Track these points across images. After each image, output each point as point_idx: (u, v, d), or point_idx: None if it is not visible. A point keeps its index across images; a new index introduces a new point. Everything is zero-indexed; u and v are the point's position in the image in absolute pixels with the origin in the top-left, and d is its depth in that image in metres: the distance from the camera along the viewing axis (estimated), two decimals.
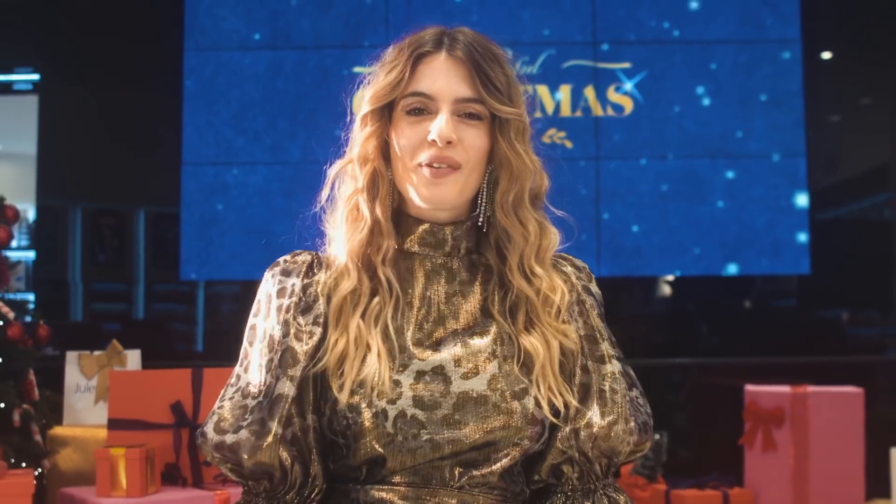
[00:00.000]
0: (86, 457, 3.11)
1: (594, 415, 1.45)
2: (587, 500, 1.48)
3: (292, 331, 1.44)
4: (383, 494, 1.40)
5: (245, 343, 1.48)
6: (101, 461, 2.72)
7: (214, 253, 6.48)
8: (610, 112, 6.52)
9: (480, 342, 1.45)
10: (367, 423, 1.37)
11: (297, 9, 6.65)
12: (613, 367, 1.49)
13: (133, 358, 3.25)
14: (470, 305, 1.48)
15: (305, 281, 1.48)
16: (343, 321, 1.42)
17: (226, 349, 4.95)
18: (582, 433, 1.45)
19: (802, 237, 6.39)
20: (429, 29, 1.52)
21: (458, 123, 1.44)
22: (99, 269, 7.07)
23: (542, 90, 6.61)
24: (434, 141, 1.42)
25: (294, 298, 1.46)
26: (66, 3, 6.42)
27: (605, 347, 1.51)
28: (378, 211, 1.46)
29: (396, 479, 1.40)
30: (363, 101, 1.53)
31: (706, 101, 6.58)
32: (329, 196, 1.56)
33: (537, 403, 1.42)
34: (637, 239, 6.33)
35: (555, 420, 1.43)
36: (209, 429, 1.40)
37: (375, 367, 1.38)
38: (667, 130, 6.55)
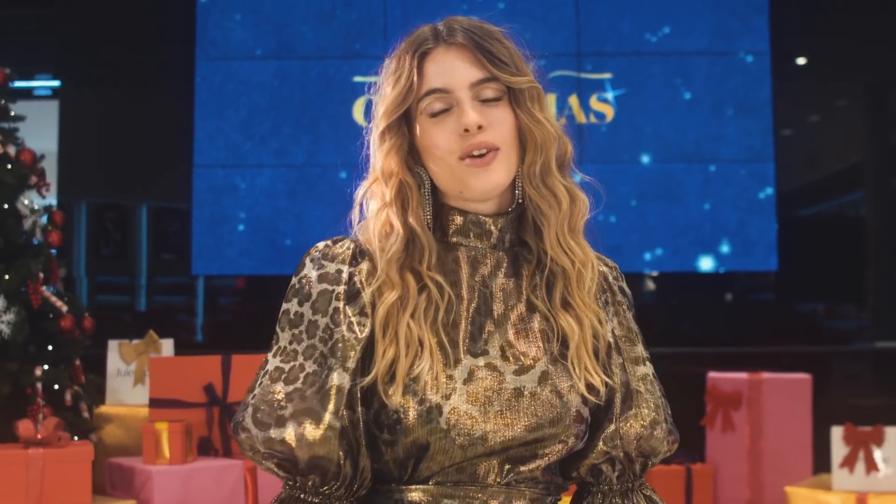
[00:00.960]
0: (127, 432, 3.52)
1: (637, 416, 1.46)
2: (626, 500, 1.49)
3: (345, 320, 1.38)
4: (426, 494, 1.36)
5: (283, 330, 1.40)
6: (147, 434, 3.15)
7: (224, 249, 6.75)
8: (592, 119, 6.83)
9: (529, 336, 1.42)
10: (418, 419, 1.33)
11: (300, 21, 6.90)
12: (648, 368, 1.50)
13: (167, 346, 3.69)
14: (515, 298, 1.45)
15: (351, 269, 1.41)
16: (391, 329, 1.37)
17: (225, 339, 5.18)
18: (627, 434, 1.45)
19: (770, 236, 6.70)
20: (422, 28, 1.48)
21: (481, 109, 1.41)
22: (105, 262, 7.32)
23: None
24: (466, 130, 1.39)
25: (343, 287, 1.39)
26: (85, 15, 6.65)
27: (640, 350, 1.51)
28: (412, 221, 1.41)
29: (440, 477, 1.37)
30: (376, 118, 1.47)
31: (681, 109, 6.86)
32: (352, 218, 1.52)
33: (584, 401, 1.41)
34: (617, 237, 6.61)
35: (594, 399, 1.42)
36: (249, 422, 1.33)
37: (428, 362, 1.35)
38: (645, 136, 6.87)
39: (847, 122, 7.42)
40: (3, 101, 3.53)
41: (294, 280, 1.42)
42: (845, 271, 7.43)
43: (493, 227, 1.44)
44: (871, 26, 6.97)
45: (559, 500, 1.46)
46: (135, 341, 3.65)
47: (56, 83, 6.89)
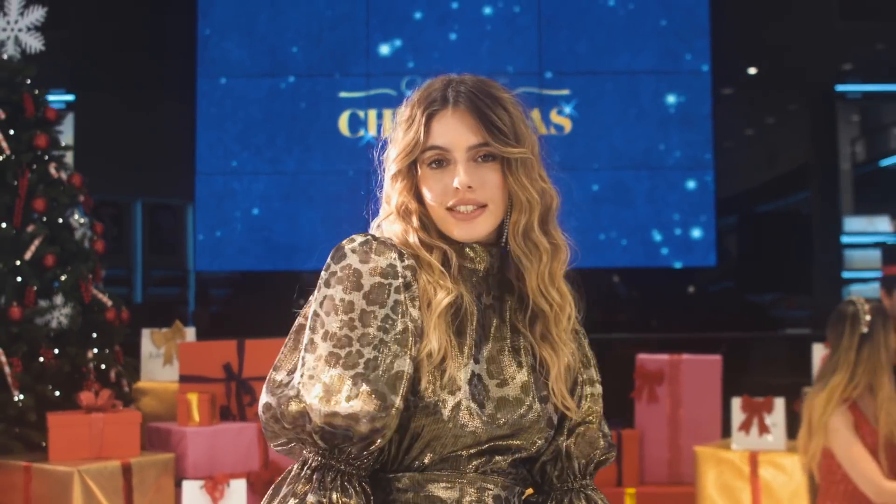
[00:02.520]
0: (159, 402, 4.26)
1: (580, 421, 1.58)
2: (565, 497, 1.58)
3: (406, 312, 1.43)
4: (412, 481, 1.45)
5: (328, 315, 1.41)
6: (181, 402, 3.90)
7: (224, 248, 7.19)
8: (552, 131, 7.28)
9: (513, 353, 1.52)
10: (424, 409, 1.42)
11: (291, 43, 7.31)
12: (597, 389, 1.61)
13: (190, 333, 4.45)
14: (500, 318, 1.53)
15: (402, 264, 1.46)
16: (437, 327, 1.44)
17: (215, 327, 5.58)
18: (570, 435, 1.57)
19: (710, 235, 7.20)
20: (435, 83, 1.54)
21: (475, 167, 1.48)
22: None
23: None
24: (457, 189, 1.47)
25: (400, 280, 1.44)
26: (97, 37, 7.03)
27: (593, 373, 1.62)
28: (439, 242, 1.51)
29: (428, 465, 1.45)
30: (390, 160, 1.55)
31: (631, 122, 7.30)
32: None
33: (555, 409, 1.53)
34: (575, 235, 7.21)
35: (567, 412, 1.54)
36: (312, 399, 1.37)
37: (453, 362, 1.44)
38: (599, 146, 7.31)
39: (784, 132, 7.95)
40: (55, 134, 4.24)
41: (334, 268, 1.43)
42: (782, 265, 8.01)
43: (485, 255, 1.53)
44: (801, 50, 7.48)
45: (524, 491, 1.58)
46: (164, 329, 4.41)
47: (70, 97, 7.29)
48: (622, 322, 7.54)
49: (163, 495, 3.71)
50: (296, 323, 1.51)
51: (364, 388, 1.36)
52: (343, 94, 7.31)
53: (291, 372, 1.43)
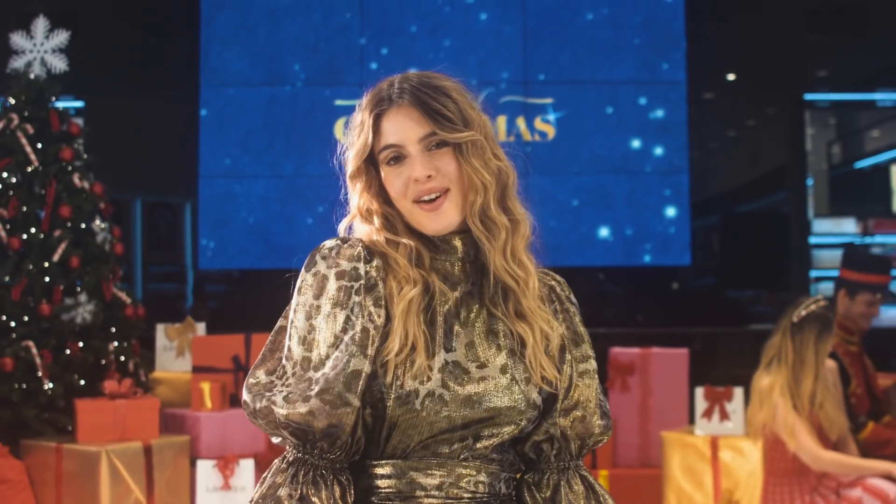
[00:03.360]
0: (172, 391, 4.64)
1: (576, 403, 1.58)
2: (562, 476, 1.60)
3: (365, 313, 1.47)
4: (395, 468, 1.49)
5: (300, 321, 1.48)
6: (195, 390, 4.30)
7: (226, 247, 7.49)
8: (536, 138, 7.55)
9: (490, 338, 1.53)
10: (397, 400, 1.45)
11: (289, 53, 7.58)
12: (590, 365, 1.62)
13: (200, 328, 4.85)
14: (479, 303, 1.55)
15: (366, 266, 1.50)
16: (403, 320, 1.47)
17: (212, 321, 5.73)
18: (566, 419, 1.58)
19: (685, 236, 7.48)
20: (382, 84, 1.57)
21: (430, 156, 1.51)
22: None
23: None
24: (417, 179, 1.50)
25: (362, 281, 1.49)
26: (105, 48, 7.25)
27: (586, 349, 1.62)
28: (405, 240, 1.55)
29: (408, 453, 1.49)
30: (347, 163, 1.61)
31: (611, 129, 7.55)
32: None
33: (539, 391, 1.54)
34: (557, 237, 7.32)
35: (549, 389, 1.55)
36: (280, 401, 1.43)
37: (421, 353, 1.46)
38: (580, 152, 7.57)
39: (756, 139, 8.28)
40: (78, 147, 4.63)
41: (307, 276, 1.51)
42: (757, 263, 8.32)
43: (458, 244, 1.56)
44: (772, 62, 7.81)
45: (514, 476, 1.60)
46: (176, 325, 4.81)
47: (80, 104, 7.57)
48: (609, 318, 7.79)
49: (179, 473, 4.11)
50: (277, 324, 1.56)
51: (326, 387, 1.42)
52: (338, 102, 7.56)
53: (269, 373, 1.49)
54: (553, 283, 1.65)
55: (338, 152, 1.65)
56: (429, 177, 1.51)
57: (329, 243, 1.53)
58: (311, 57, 7.64)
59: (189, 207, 8.09)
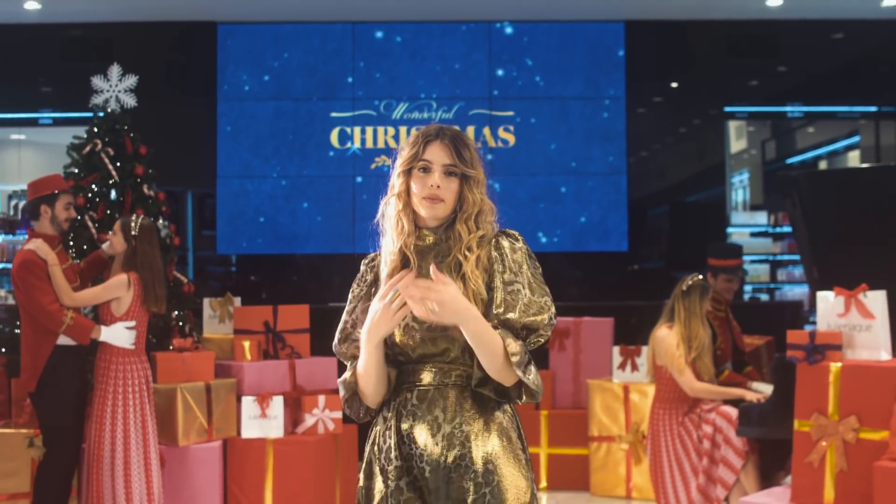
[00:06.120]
0: (218, 348, 5.92)
1: (511, 308, 2.18)
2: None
3: (361, 293, 2.32)
4: (413, 366, 2.22)
5: (349, 299, 2.32)
6: (237, 346, 5.63)
7: (239, 237, 8.65)
8: (500, 144, 8.66)
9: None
10: (389, 345, 2.22)
11: (292, 73, 8.67)
12: (520, 286, 2.20)
13: (237, 301, 6.29)
14: (450, 269, 2.22)
15: (368, 265, 2.35)
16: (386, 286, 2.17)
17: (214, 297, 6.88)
18: (505, 316, 2.18)
19: (623, 226, 8.65)
20: (431, 126, 2.29)
21: (444, 178, 2.23)
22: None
23: None
24: (432, 187, 2.22)
25: (360, 274, 2.35)
26: (136, 67, 8.31)
27: (522, 278, 2.21)
28: (401, 225, 2.26)
29: (414, 358, 2.20)
30: (398, 163, 2.28)
31: (563, 137, 8.65)
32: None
33: (484, 313, 2.17)
34: (517, 226, 8.14)
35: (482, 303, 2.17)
36: (336, 341, 2.31)
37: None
38: (536, 156, 8.68)
39: (685, 145, 9.32)
40: (146, 165, 6.02)
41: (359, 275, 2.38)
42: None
43: (442, 232, 2.27)
44: (698, 80, 8.95)
45: (474, 386, 2.20)
46: (218, 298, 6.25)
47: None
48: (574, 294, 8.75)
49: (229, 405, 5.56)
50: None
51: (340, 331, 2.34)
52: (334, 115, 8.72)
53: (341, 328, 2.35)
54: (505, 241, 2.27)
55: (392, 157, 2.38)
56: (439, 187, 2.23)
57: (367, 257, 2.40)
58: (310, 76, 8.74)
59: (190, 197, 8.99)
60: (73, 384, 4.86)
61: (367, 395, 2.26)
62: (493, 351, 2.13)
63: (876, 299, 4.29)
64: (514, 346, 2.14)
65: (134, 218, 4.97)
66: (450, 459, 2.18)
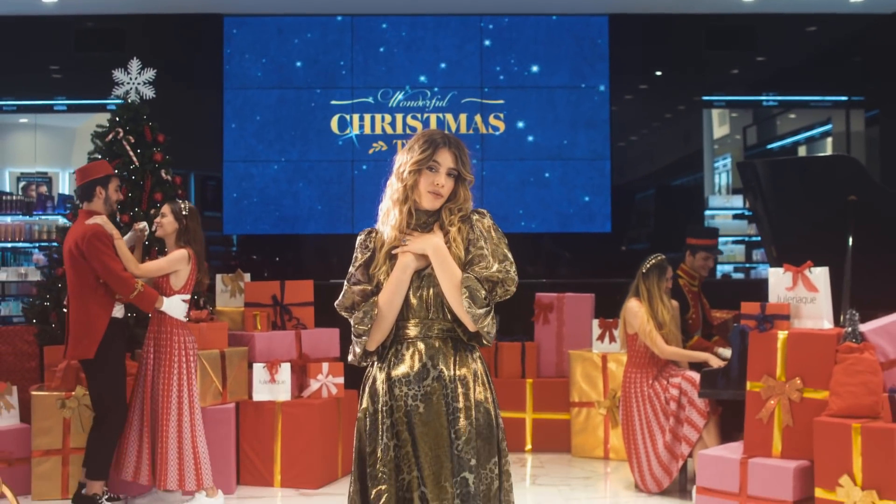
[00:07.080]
0: (230, 319, 6.39)
1: (480, 266, 2.71)
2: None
3: (363, 259, 2.81)
4: (404, 322, 2.76)
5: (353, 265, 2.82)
6: (248, 318, 6.16)
7: (244, 218, 8.98)
8: (490, 130, 9.00)
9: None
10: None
11: (294, 63, 8.98)
12: (487, 251, 2.74)
13: (247, 277, 6.79)
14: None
15: (370, 237, 2.84)
16: (383, 258, 2.77)
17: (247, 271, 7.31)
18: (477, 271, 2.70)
19: (606, 209, 9.00)
20: (437, 131, 2.82)
21: (447, 177, 2.76)
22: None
23: (449, 117, 9.00)
24: (437, 184, 2.75)
25: (362, 244, 2.84)
26: (146, 56, 7.87)
27: (493, 246, 2.76)
28: (405, 208, 2.77)
29: (407, 315, 2.76)
30: (408, 162, 2.77)
31: (549, 124, 9.00)
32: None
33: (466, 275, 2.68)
34: (506, 208, 8.80)
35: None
36: (339, 301, 2.81)
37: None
38: (525, 142, 9.01)
39: (665, 135, 9.64)
40: (164, 151, 6.52)
41: (357, 243, 2.88)
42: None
43: (425, 216, 2.81)
44: (678, 71, 9.27)
45: (457, 338, 2.79)
46: (230, 275, 6.76)
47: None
48: (558, 272, 9.11)
49: (242, 371, 6.06)
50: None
51: (346, 287, 2.85)
52: (334, 102, 9.05)
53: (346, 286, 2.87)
54: (475, 216, 2.82)
55: (395, 151, 2.91)
56: (442, 185, 2.78)
57: (366, 230, 2.90)
58: (312, 66, 9.07)
59: (193, 179, 9.25)
60: (123, 353, 5.34)
61: (387, 319, 2.75)
62: (452, 281, 2.70)
63: (820, 275, 4.82)
64: (468, 280, 2.69)
65: (179, 202, 5.40)
66: (432, 387, 2.73)
